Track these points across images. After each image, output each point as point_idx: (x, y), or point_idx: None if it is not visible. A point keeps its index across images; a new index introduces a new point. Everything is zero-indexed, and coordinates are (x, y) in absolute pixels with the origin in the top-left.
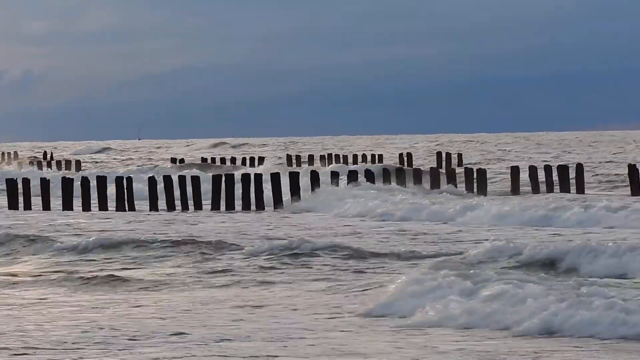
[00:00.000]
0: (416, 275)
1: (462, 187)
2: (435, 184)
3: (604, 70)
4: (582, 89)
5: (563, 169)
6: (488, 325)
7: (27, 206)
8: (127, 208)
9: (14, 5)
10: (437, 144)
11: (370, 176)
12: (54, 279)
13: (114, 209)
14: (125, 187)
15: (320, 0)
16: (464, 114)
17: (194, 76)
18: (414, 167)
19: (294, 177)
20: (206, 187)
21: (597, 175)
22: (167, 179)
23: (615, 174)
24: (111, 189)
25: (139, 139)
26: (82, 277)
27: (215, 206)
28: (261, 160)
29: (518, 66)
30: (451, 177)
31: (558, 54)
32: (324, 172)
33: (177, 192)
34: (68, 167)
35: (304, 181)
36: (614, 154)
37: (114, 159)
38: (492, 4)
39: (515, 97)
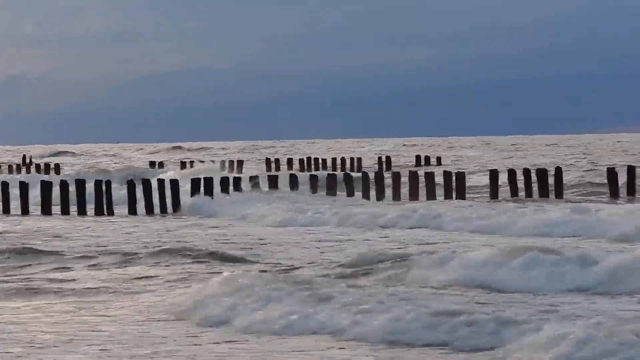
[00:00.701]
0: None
1: (440, 192)
2: (414, 190)
3: (604, 73)
4: (582, 91)
5: (542, 173)
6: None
7: (6, 210)
8: (105, 212)
9: (11, 6)
10: (405, 145)
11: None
12: None
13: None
14: (104, 191)
15: (320, 0)
16: (464, 115)
17: (194, 77)
18: (392, 170)
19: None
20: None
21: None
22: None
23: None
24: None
25: (117, 142)
26: None
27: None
28: (239, 163)
29: (519, 68)
30: (430, 181)
31: (559, 55)
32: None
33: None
34: (47, 171)
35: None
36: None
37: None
38: (492, 5)
39: (516, 99)
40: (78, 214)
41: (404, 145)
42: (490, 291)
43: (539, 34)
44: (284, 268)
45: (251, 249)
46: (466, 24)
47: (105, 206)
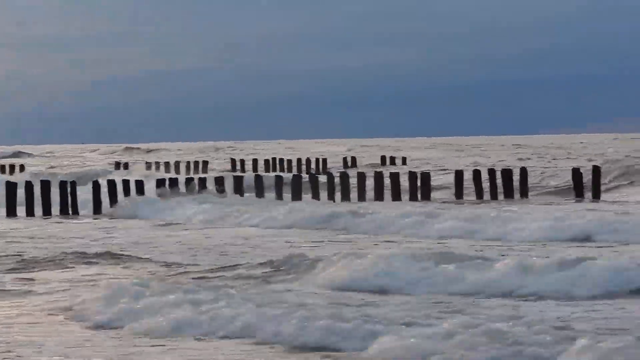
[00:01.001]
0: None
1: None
2: (379, 191)
3: (602, 73)
4: (582, 91)
5: (507, 174)
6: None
7: None
8: (70, 212)
9: None
10: (364, 146)
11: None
12: None
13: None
14: (69, 192)
15: (320, 0)
16: (464, 115)
17: (194, 77)
18: (358, 171)
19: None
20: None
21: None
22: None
23: None
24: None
25: (82, 144)
26: None
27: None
28: (204, 164)
29: (519, 68)
30: (395, 182)
31: (559, 55)
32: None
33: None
34: (12, 171)
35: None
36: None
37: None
38: (492, 5)
39: (516, 99)
40: (43, 215)
41: (362, 145)
42: (376, 294)
43: (539, 34)
44: (185, 270)
45: (163, 250)
46: (466, 24)
47: (70, 207)
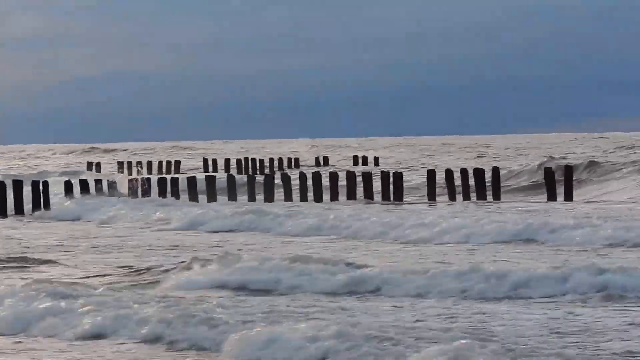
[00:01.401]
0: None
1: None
2: (351, 192)
3: (569, 74)
4: (545, 91)
5: (479, 173)
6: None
7: None
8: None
9: None
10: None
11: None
12: None
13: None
14: (41, 191)
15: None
16: (428, 116)
17: (148, 78)
18: (330, 171)
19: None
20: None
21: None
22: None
23: None
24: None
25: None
26: None
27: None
28: (172, 165)
29: (486, 68)
30: (367, 182)
31: (527, 55)
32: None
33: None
34: None
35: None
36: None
37: None
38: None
39: (483, 99)
40: (15, 214)
41: (325, 145)
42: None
43: (508, 32)
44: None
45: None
46: (436, 24)
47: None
